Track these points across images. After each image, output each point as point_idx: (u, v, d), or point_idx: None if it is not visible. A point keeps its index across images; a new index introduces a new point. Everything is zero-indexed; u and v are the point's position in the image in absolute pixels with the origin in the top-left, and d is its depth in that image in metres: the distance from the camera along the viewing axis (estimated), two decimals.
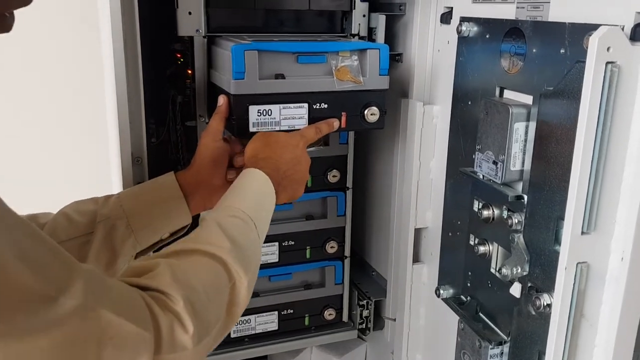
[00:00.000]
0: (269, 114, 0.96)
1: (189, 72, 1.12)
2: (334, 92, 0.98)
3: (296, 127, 0.97)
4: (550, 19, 0.78)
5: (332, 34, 1.16)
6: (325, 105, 0.99)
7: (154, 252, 0.91)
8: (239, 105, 0.94)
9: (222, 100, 0.96)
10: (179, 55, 1.18)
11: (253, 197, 0.79)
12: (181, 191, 0.90)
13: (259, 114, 0.95)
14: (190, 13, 1.03)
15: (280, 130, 0.95)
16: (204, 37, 1.06)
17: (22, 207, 0.92)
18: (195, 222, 0.95)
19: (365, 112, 1.00)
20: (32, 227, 0.49)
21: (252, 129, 0.95)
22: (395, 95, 1.20)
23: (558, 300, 0.72)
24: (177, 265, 0.61)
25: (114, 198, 0.88)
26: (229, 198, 0.77)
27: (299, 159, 0.89)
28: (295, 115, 0.97)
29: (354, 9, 1.13)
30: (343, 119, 1.00)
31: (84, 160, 1.34)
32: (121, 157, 0.97)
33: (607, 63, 0.64)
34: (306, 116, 0.98)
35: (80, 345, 0.48)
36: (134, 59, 0.99)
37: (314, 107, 0.98)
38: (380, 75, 1.00)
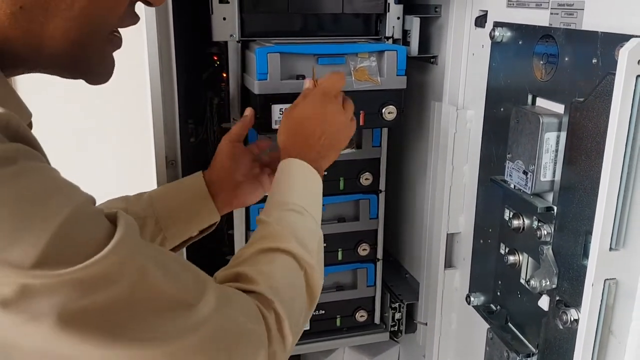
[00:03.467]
0: None
1: (224, 75, 1.14)
2: (352, 91, 1.01)
3: None
4: (584, 27, 0.76)
5: (367, 36, 1.16)
6: None
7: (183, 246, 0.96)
8: (263, 104, 0.99)
9: (248, 111, 0.99)
10: (215, 58, 1.20)
11: (298, 186, 0.80)
12: (208, 190, 0.94)
13: (281, 112, 1.00)
14: (224, 19, 1.05)
15: None
16: (238, 41, 1.07)
17: None
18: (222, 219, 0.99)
19: (383, 110, 1.04)
20: (159, 247, 0.58)
21: (274, 127, 1.00)
22: (429, 98, 1.19)
23: (585, 317, 0.71)
24: (260, 268, 0.67)
25: (146, 196, 0.92)
26: (276, 194, 0.79)
27: (323, 118, 0.86)
28: None
29: (388, 11, 1.13)
30: (361, 116, 1.03)
31: (124, 164, 1.38)
32: (155, 160, 1.00)
33: (638, 76, 0.62)
34: None
35: (216, 344, 0.55)
36: (168, 63, 1.02)
37: None
38: (397, 75, 1.04)
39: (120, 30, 0.64)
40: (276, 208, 0.76)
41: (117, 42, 0.63)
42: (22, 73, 0.59)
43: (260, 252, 0.69)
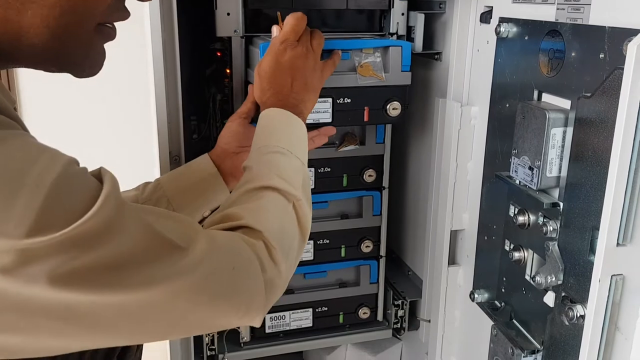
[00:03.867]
0: None
1: (228, 71, 1.13)
2: (357, 87, 1.02)
3: (321, 121, 1.01)
4: (590, 22, 0.76)
5: (371, 32, 1.15)
6: (349, 100, 1.02)
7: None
8: None
9: (250, 88, 1.01)
10: (219, 54, 1.19)
11: (279, 130, 0.81)
12: (215, 166, 0.95)
13: None
14: (228, 14, 1.04)
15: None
16: (242, 37, 1.07)
17: None
18: None
19: (387, 106, 1.04)
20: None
21: None
22: (433, 95, 1.19)
23: (591, 313, 0.70)
24: (246, 205, 0.69)
25: (153, 182, 0.93)
26: (258, 141, 0.80)
27: (289, 66, 0.86)
28: (320, 109, 1.01)
29: (393, 7, 1.12)
30: (365, 112, 1.04)
31: (128, 160, 1.38)
32: (159, 156, 1.00)
33: None
34: (330, 110, 1.02)
35: (214, 282, 0.57)
36: (172, 60, 1.01)
37: (338, 101, 1.02)
38: (402, 71, 1.03)
39: (124, 27, 0.62)
40: (258, 153, 0.77)
41: (107, 34, 0.60)
42: (4, 67, 0.57)
43: (246, 193, 0.71)
